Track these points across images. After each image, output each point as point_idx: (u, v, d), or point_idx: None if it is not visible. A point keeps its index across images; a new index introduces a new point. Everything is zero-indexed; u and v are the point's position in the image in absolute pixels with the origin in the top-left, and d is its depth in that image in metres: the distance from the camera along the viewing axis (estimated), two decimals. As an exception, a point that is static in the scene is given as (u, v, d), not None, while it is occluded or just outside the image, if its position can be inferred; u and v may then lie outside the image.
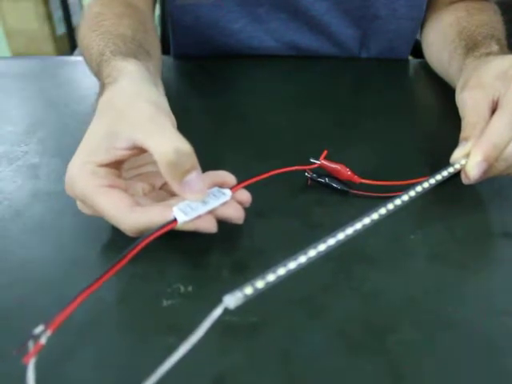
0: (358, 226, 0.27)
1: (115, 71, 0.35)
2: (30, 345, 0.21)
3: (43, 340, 0.22)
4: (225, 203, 0.30)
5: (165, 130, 0.29)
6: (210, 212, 0.29)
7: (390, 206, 0.29)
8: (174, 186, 0.28)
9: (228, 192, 0.30)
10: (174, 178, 0.28)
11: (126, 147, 0.29)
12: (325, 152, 0.37)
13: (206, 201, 0.29)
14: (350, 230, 0.27)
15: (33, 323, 0.22)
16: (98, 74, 0.40)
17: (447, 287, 0.30)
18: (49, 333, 0.22)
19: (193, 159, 0.28)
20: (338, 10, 0.59)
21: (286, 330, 0.27)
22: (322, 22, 0.60)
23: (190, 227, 0.28)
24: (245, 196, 0.31)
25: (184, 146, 0.28)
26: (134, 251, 0.26)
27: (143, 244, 0.26)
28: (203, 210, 0.28)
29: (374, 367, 0.25)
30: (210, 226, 0.28)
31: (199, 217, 0.28)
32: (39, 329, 0.22)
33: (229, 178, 0.31)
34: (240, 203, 0.31)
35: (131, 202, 0.29)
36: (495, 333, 0.27)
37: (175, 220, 0.28)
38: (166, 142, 0.28)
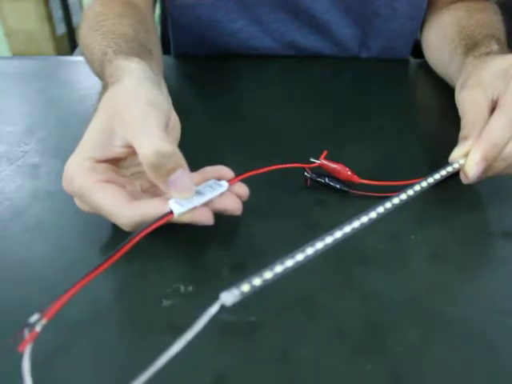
0: (356, 224, 0.27)
1: (119, 70, 0.35)
2: (26, 333, 0.21)
3: (38, 328, 0.22)
4: (222, 195, 0.30)
5: (149, 131, 0.29)
6: (207, 204, 0.29)
7: (389, 205, 0.29)
8: (159, 186, 0.28)
9: (225, 183, 0.30)
10: (156, 178, 0.28)
11: (122, 145, 0.30)
12: (324, 152, 0.37)
13: (203, 192, 0.29)
14: (347, 229, 0.27)
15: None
16: (100, 73, 0.40)
17: (447, 287, 0.30)
18: (44, 321, 0.22)
19: (175, 159, 0.28)
20: (338, 9, 0.59)
21: (285, 330, 0.27)
22: (322, 21, 0.60)
23: (186, 219, 0.28)
24: (242, 189, 0.31)
25: (164, 146, 0.28)
26: (131, 243, 0.26)
27: (140, 236, 0.26)
28: (199, 201, 0.28)
29: (374, 367, 0.25)
30: (207, 218, 0.28)
31: (195, 208, 0.28)
32: (34, 317, 0.22)
33: (226, 171, 0.31)
34: (237, 196, 0.31)
35: (128, 196, 0.29)
36: (495, 333, 0.27)
37: (171, 212, 0.28)
38: (147, 143, 0.28)
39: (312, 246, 0.25)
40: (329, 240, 0.26)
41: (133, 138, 0.29)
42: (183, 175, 0.28)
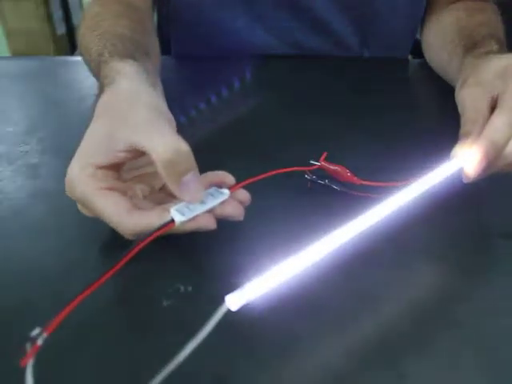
0: (359, 226, 0.28)
1: (113, 72, 0.35)
2: (28, 347, 0.21)
3: (40, 342, 0.22)
4: (223, 202, 0.30)
5: (163, 131, 0.29)
6: (209, 211, 0.29)
7: (390, 206, 0.29)
8: (172, 187, 0.28)
9: (226, 191, 0.30)
10: (171, 177, 0.28)
11: (125, 149, 0.29)
12: (324, 154, 0.37)
13: (204, 201, 0.29)
14: (350, 231, 0.27)
15: (32, 323, 0.22)
16: (97, 74, 0.40)
17: (447, 287, 0.30)
18: (45, 335, 0.22)
19: (191, 159, 0.28)
20: (338, 8, 0.59)
21: (286, 330, 0.27)
22: (324, 20, 0.60)
23: (190, 227, 0.28)
24: (244, 196, 0.31)
25: (182, 145, 0.28)
26: (130, 254, 0.26)
27: (139, 247, 0.26)
28: (201, 209, 0.28)
29: (375, 367, 0.25)
30: (209, 223, 0.28)
31: (197, 217, 0.28)
32: (36, 331, 0.22)
33: (227, 178, 0.31)
34: (239, 203, 0.31)
35: (129, 205, 0.29)
36: (495, 333, 0.27)
37: (172, 221, 0.28)
38: (165, 142, 0.28)
39: (317, 249, 0.26)
40: (333, 243, 0.26)
41: (144, 139, 0.28)
42: (195, 177, 0.28)
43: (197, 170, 0.28)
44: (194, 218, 0.28)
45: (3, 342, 0.26)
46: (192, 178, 0.28)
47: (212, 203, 0.29)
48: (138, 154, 0.30)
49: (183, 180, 0.27)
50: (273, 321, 0.27)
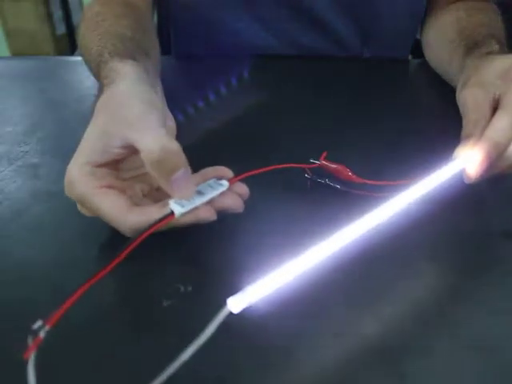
0: (359, 227, 0.28)
1: (112, 72, 0.35)
2: (30, 340, 0.21)
3: (42, 334, 0.22)
4: (222, 194, 0.30)
5: (152, 128, 0.29)
6: (209, 203, 0.29)
7: (391, 207, 0.29)
8: (162, 184, 0.28)
9: (225, 183, 0.30)
10: (160, 175, 0.28)
11: (121, 146, 0.30)
12: (324, 153, 0.37)
13: (203, 192, 0.29)
14: (351, 233, 0.27)
15: (33, 323, 0.22)
16: (96, 74, 0.40)
17: (447, 287, 0.30)
18: (47, 328, 0.22)
19: (179, 157, 0.28)
20: (339, 8, 0.59)
21: (287, 330, 0.27)
22: (324, 20, 0.60)
23: (190, 219, 0.28)
24: (242, 189, 0.31)
25: (170, 144, 0.28)
26: (131, 246, 0.26)
27: (140, 239, 0.26)
28: (200, 201, 0.29)
29: (374, 367, 0.25)
30: (209, 215, 0.29)
31: (196, 208, 0.28)
32: (37, 324, 0.22)
33: (227, 172, 0.31)
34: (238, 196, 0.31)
35: (128, 203, 0.29)
36: (495, 333, 0.27)
37: (172, 213, 0.28)
38: (152, 140, 0.28)
39: (319, 250, 0.26)
40: (335, 244, 0.26)
41: (135, 136, 0.29)
42: (185, 174, 0.28)
43: (187, 166, 0.28)
44: (193, 210, 0.28)
45: (3, 341, 0.26)
46: (182, 175, 0.27)
47: (211, 194, 0.29)
48: (134, 150, 0.30)
49: (173, 177, 0.27)
50: (273, 321, 0.27)
